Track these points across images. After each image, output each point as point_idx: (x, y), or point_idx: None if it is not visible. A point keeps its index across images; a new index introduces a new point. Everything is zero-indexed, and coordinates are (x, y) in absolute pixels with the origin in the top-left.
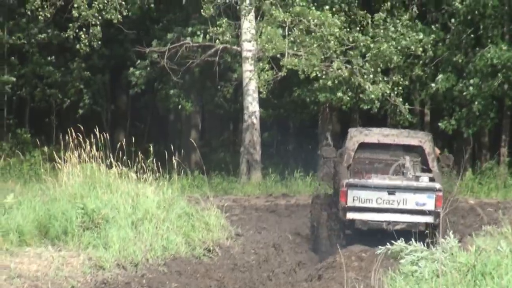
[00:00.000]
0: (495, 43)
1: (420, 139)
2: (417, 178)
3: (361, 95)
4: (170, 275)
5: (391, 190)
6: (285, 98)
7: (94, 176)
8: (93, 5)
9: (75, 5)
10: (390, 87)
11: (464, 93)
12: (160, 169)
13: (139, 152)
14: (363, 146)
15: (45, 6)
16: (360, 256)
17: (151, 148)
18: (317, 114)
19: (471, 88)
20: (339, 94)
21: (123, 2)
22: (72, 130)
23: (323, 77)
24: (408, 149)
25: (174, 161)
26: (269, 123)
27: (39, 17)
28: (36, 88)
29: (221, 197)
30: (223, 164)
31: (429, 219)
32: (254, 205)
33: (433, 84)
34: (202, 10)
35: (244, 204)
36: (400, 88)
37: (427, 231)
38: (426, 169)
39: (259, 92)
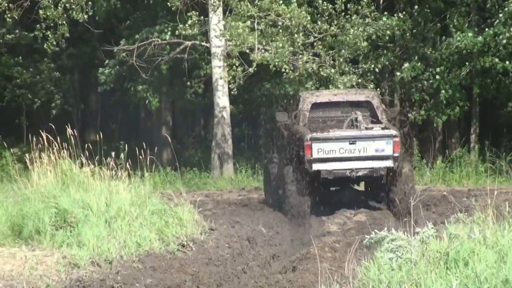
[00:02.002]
0: (462, 31)
1: (367, 94)
2: (370, 129)
3: (330, 86)
4: (144, 271)
5: (352, 140)
6: (255, 93)
7: (66, 176)
8: (59, 5)
9: (42, 6)
10: (359, 75)
11: (431, 81)
12: (132, 166)
13: (111, 151)
14: (315, 106)
15: (12, 8)
16: (333, 247)
17: (122, 146)
18: (287, 107)
19: (437, 76)
20: (308, 86)
21: (89, 2)
22: (43, 131)
23: (292, 70)
24: (357, 105)
25: (146, 158)
26: (239, 118)
27: (7, 19)
28: (5, 89)
29: (194, 193)
30: (195, 160)
31: (389, 163)
32: (227, 199)
33: (398, 73)
34: (168, 2)
35: (217, 198)
36: (371, 75)
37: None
38: (376, 121)
39: (229, 88)
